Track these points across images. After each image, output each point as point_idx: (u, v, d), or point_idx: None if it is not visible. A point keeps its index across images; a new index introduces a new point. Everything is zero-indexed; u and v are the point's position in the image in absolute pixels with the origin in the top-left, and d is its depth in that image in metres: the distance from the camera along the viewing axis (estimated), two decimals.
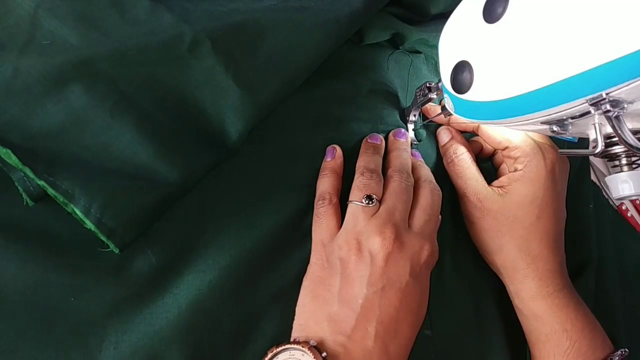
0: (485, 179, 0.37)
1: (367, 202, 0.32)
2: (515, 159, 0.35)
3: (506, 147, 0.36)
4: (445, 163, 0.39)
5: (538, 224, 0.34)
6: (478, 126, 0.38)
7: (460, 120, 0.36)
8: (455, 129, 0.40)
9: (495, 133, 0.37)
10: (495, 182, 0.37)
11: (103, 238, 0.27)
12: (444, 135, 0.40)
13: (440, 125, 0.41)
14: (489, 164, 0.41)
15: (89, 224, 0.27)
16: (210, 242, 0.31)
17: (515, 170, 0.35)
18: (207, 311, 0.30)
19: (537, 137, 0.36)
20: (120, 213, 0.27)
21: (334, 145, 0.37)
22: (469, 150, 0.38)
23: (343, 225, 0.32)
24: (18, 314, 0.27)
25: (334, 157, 0.36)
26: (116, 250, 0.28)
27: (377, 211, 0.32)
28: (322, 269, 0.31)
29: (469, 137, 0.41)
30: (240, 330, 0.31)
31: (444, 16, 0.31)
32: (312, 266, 0.32)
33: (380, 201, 0.33)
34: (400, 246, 0.31)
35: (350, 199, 0.33)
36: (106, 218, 0.27)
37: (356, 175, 0.35)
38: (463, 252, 0.38)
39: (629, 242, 0.49)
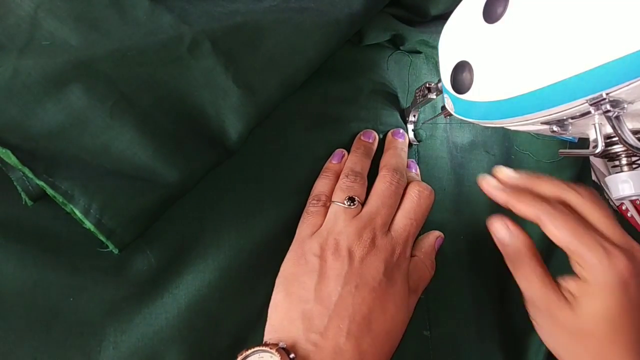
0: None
1: (348, 203, 0.33)
2: (580, 264, 0.31)
3: (570, 251, 0.31)
4: (507, 262, 0.34)
5: (615, 341, 0.30)
6: (540, 218, 0.31)
7: (521, 208, 0.32)
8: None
9: (560, 231, 0.31)
10: (565, 284, 0.32)
11: (102, 238, 0.27)
12: (503, 234, 0.34)
13: None
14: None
15: (89, 225, 0.27)
16: (209, 242, 0.31)
17: (584, 279, 0.31)
18: (206, 312, 0.30)
19: (611, 231, 0.31)
20: (119, 214, 0.27)
21: (343, 150, 0.37)
22: (534, 251, 0.33)
23: (324, 224, 0.33)
24: (17, 315, 0.27)
25: (339, 161, 0.36)
26: (115, 251, 0.28)
27: (358, 212, 0.33)
28: (296, 266, 0.31)
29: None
30: (240, 331, 0.31)
31: (444, 17, 0.31)
32: (286, 262, 0.32)
33: (363, 203, 0.33)
34: (376, 249, 0.31)
35: (332, 199, 0.34)
36: (105, 219, 0.27)
37: (341, 176, 0.35)
38: (462, 253, 0.38)
39: None
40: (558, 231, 0.31)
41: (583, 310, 0.30)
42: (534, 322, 0.34)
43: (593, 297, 0.30)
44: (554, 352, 0.33)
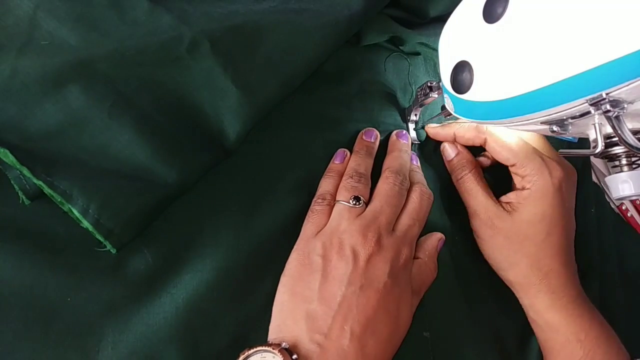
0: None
1: (354, 202, 0.33)
2: (523, 177, 0.35)
3: (513, 164, 0.36)
4: (454, 180, 0.39)
5: (548, 241, 0.35)
6: (485, 140, 0.37)
7: (466, 135, 0.37)
8: (461, 144, 0.39)
9: (503, 149, 0.36)
10: (504, 198, 0.36)
11: (100, 238, 0.27)
12: (450, 151, 0.39)
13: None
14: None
15: (87, 224, 0.27)
16: (207, 242, 0.31)
17: (523, 188, 0.35)
18: (204, 311, 0.30)
19: (545, 150, 0.36)
20: (117, 214, 0.27)
21: (345, 150, 0.37)
22: (476, 166, 0.38)
23: (328, 224, 0.32)
24: (15, 315, 0.27)
25: (342, 161, 0.36)
26: (113, 251, 0.28)
27: (362, 212, 0.33)
28: (301, 266, 0.31)
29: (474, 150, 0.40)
30: (238, 331, 0.31)
31: (443, 19, 0.31)
32: (291, 262, 0.32)
33: (367, 202, 0.33)
34: (381, 249, 0.31)
35: (337, 198, 0.34)
36: (104, 219, 0.27)
37: (345, 176, 0.35)
38: (460, 254, 0.38)
39: (632, 245, 0.49)
40: (501, 148, 0.36)
41: (522, 216, 0.35)
42: (476, 236, 0.38)
43: (532, 202, 0.34)
44: (493, 262, 0.37)
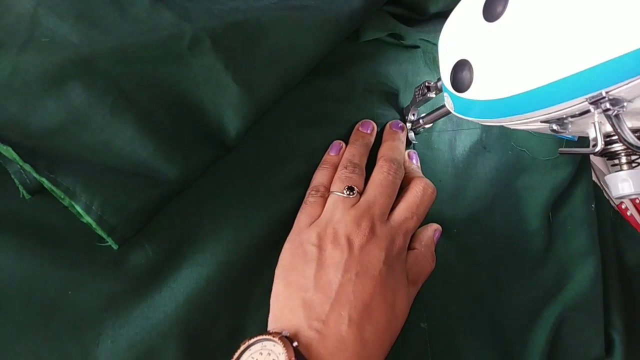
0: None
1: (348, 193, 0.33)
2: None
3: None
4: None
5: None
6: None
7: None
8: None
9: None
10: None
11: (103, 235, 0.27)
12: None
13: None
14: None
15: (90, 221, 0.27)
16: (207, 236, 0.31)
17: None
18: (204, 305, 0.30)
19: None
20: (120, 210, 0.28)
21: (341, 142, 0.37)
22: None
23: (322, 214, 0.33)
24: (15, 308, 0.27)
25: (337, 153, 0.36)
26: (115, 246, 0.28)
27: (357, 202, 0.33)
28: (294, 256, 0.31)
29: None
30: (238, 325, 0.31)
31: (443, 16, 0.31)
32: (284, 252, 0.32)
33: (361, 192, 0.33)
34: (375, 237, 0.31)
35: (331, 189, 0.34)
36: (107, 215, 0.27)
37: (340, 167, 0.35)
38: (456, 245, 0.38)
39: (630, 243, 0.49)
40: None
41: None
42: None
43: None
44: None
